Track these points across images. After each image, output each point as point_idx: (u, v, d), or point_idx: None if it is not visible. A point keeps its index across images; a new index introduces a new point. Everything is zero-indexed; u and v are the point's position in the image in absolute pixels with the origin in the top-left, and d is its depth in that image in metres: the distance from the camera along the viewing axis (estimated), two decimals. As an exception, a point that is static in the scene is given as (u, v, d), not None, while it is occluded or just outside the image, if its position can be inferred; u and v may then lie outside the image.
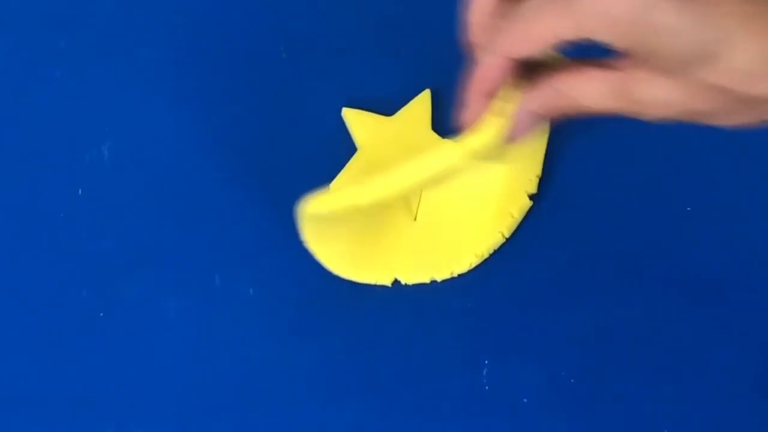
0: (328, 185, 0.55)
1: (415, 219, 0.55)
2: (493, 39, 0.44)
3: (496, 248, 0.53)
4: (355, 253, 0.53)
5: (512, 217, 0.54)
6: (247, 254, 0.54)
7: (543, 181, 0.55)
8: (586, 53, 0.43)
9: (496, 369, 0.51)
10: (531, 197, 0.54)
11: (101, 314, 0.53)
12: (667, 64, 0.41)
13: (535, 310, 0.53)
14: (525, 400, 0.51)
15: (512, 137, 0.46)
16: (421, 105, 0.57)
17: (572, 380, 0.51)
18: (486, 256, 0.53)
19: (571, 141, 0.56)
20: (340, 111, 0.57)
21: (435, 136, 0.56)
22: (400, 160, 0.55)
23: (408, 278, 0.53)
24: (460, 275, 0.53)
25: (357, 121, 0.57)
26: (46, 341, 0.53)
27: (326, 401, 0.51)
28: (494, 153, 0.47)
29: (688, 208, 0.55)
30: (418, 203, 0.55)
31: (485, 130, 0.46)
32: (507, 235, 0.54)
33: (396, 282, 0.53)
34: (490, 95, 0.45)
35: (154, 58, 0.59)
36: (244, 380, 0.52)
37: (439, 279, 0.53)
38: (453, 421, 0.51)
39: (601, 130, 0.56)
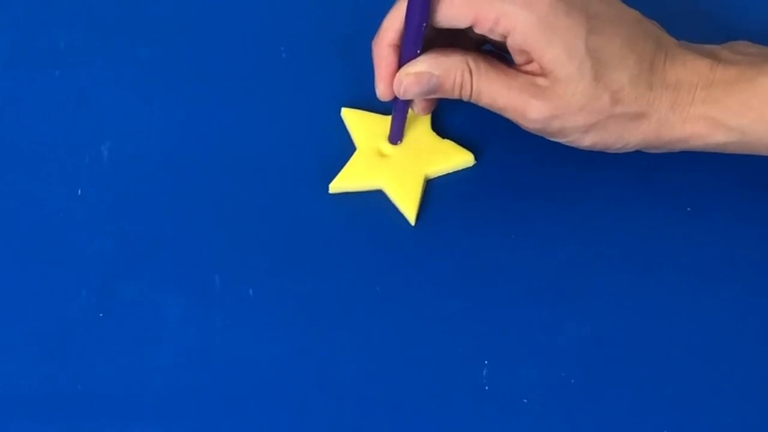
0: (328, 185, 0.55)
1: (415, 219, 0.55)
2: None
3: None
4: None
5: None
6: (247, 254, 0.54)
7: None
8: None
9: (496, 369, 0.51)
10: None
11: (101, 314, 0.53)
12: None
13: (535, 310, 0.53)
14: (525, 400, 0.51)
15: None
16: (421, 105, 0.57)
17: (572, 380, 0.51)
18: None
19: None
20: (339, 111, 0.57)
21: (435, 135, 0.56)
22: (399, 160, 0.56)
23: None
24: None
25: (356, 121, 0.57)
26: (46, 341, 0.53)
27: (326, 401, 0.51)
28: None
29: (688, 209, 0.55)
30: (419, 203, 0.55)
31: None
32: None
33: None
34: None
35: (153, 58, 0.59)
36: (244, 380, 0.52)
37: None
38: (453, 421, 0.51)
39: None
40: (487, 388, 0.51)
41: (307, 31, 0.60)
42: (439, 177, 0.56)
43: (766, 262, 0.54)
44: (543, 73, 0.50)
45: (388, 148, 0.56)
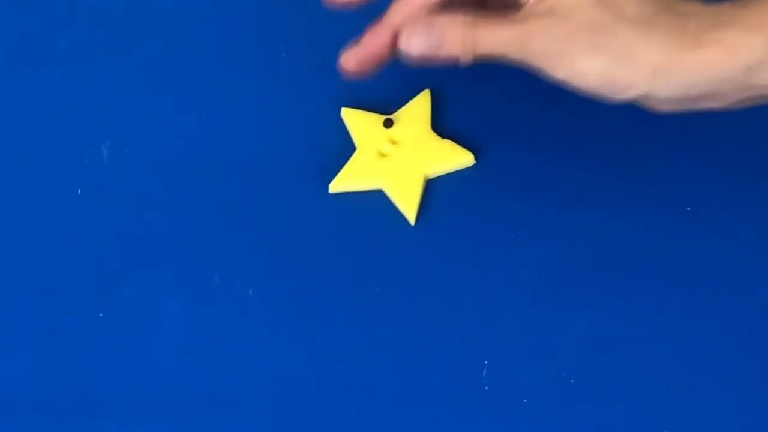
0: (328, 185, 0.55)
1: (415, 219, 0.55)
2: None
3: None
4: None
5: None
6: (247, 254, 0.54)
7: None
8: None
9: (496, 369, 0.51)
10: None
11: (101, 314, 0.53)
12: None
13: (535, 310, 0.53)
14: (525, 400, 0.51)
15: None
16: (421, 105, 0.57)
17: (572, 380, 0.51)
18: None
19: (570, 141, 0.56)
20: (339, 111, 0.57)
21: (435, 136, 0.56)
22: (399, 160, 0.56)
23: None
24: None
25: (356, 121, 0.57)
26: (46, 341, 0.53)
27: (325, 401, 0.51)
28: None
29: (688, 208, 0.55)
30: (419, 203, 0.55)
31: None
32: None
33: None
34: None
35: (154, 58, 0.59)
36: (243, 380, 0.52)
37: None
38: (453, 421, 0.51)
39: (600, 131, 0.56)
40: (487, 388, 0.51)
41: (307, 31, 0.60)
42: (439, 177, 0.56)
43: (766, 262, 0.54)
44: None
45: (388, 148, 0.56)
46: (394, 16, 0.51)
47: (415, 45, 0.50)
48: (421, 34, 0.50)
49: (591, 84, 0.48)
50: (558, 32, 0.48)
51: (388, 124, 0.57)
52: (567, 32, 0.48)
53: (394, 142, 0.56)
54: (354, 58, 0.52)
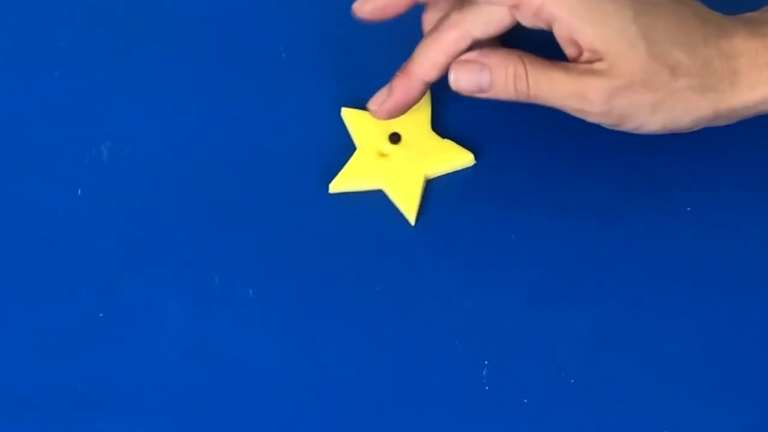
0: (328, 185, 0.55)
1: (415, 219, 0.55)
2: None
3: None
4: None
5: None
6: (247, 254, 0.54)
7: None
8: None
9: (496, 369, 0.51)
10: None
11: (101, 314, 0.53)
12: None
13: (535, 310, 0.53)
14: (525, 400, 0.51)
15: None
16: (421, 105, 0.57)
17: (572, 380, 0.51)
18: None
19: (572, 143, 0.56)
20: (339, 111, 0.57)
21: (435, 135, 0.56)
22: (399, 160, 0.56)
23: None
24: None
25: (356, 120, 0.57)
26: (46, 341, 0.53)
27: (325, 401, 0.51)
28: None
29: (688, 208, 0.55)
30: (419, 203, 0.55)
31: None
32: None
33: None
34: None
35: (154, 58, 0.59)
36: (243, 380, 0.52)
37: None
38: (453, 421, 0.51)
39: (600, 131, 0.56)
40: (487, 388, 0.51)
41: (307, 31, 0.60)
42: (439, 177, 0.56)
43: (766, 262, 0.54)
44: (598, 58, 0.50)
45: (388, 147, 0.56)
46: (421, 66, 0.53)
47: (464, 85, 0.52)
48: (472, 73, 0.51)
49: (653, 130, 0.52)
50: (618, 93, 0.50)
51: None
52: (627, 93, 0.50)
53: (394, 142, 0.56)
54: (387, 107, 0.54)
